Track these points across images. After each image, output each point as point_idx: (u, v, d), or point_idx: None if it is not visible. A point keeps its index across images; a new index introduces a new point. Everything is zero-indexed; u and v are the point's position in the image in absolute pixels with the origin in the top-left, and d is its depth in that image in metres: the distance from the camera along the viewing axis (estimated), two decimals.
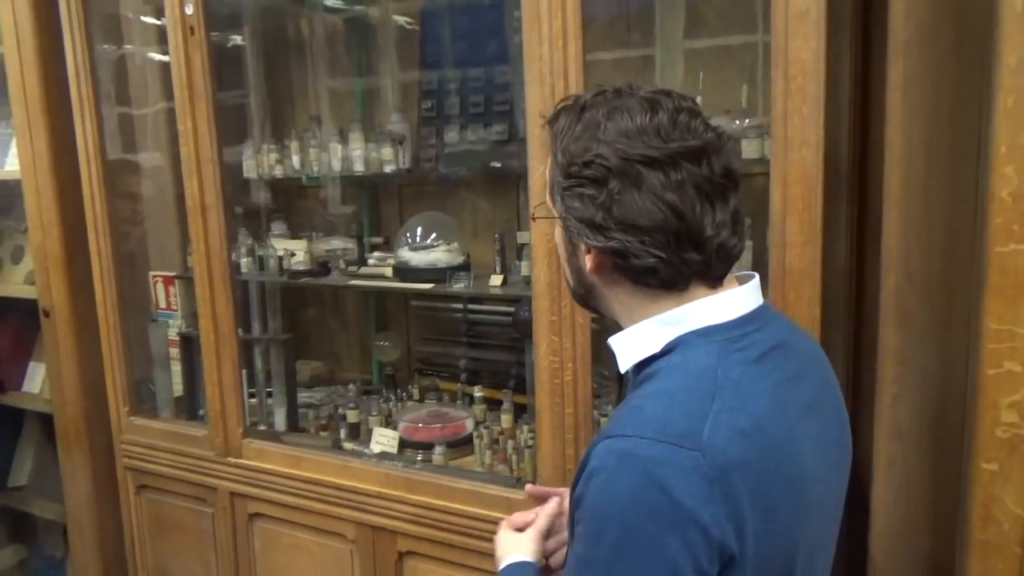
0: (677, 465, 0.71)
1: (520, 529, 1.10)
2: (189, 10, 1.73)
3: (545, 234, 1.45)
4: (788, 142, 1.21)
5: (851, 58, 1.55)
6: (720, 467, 0.72)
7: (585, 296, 0.92)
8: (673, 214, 0.78)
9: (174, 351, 2.24)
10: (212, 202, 1.83)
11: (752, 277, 0.88)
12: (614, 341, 0.89)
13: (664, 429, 0.73)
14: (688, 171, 0.78)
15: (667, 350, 0.82)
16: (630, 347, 0.86)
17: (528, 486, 1.21)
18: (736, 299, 0.84)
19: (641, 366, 0.85)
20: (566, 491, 1.09)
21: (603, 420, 1.67)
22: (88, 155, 2.00)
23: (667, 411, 0.75)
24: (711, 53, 1.81)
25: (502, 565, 1.04)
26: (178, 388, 2.23)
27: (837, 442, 0.91)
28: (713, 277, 0.84)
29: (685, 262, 0.80)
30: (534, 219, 0.96)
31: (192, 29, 1.74)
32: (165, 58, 1.89)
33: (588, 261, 0.84)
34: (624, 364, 0.87)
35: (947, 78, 1.37)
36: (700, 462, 0.71)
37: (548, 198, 0.89)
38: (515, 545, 1.05)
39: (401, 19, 2.25)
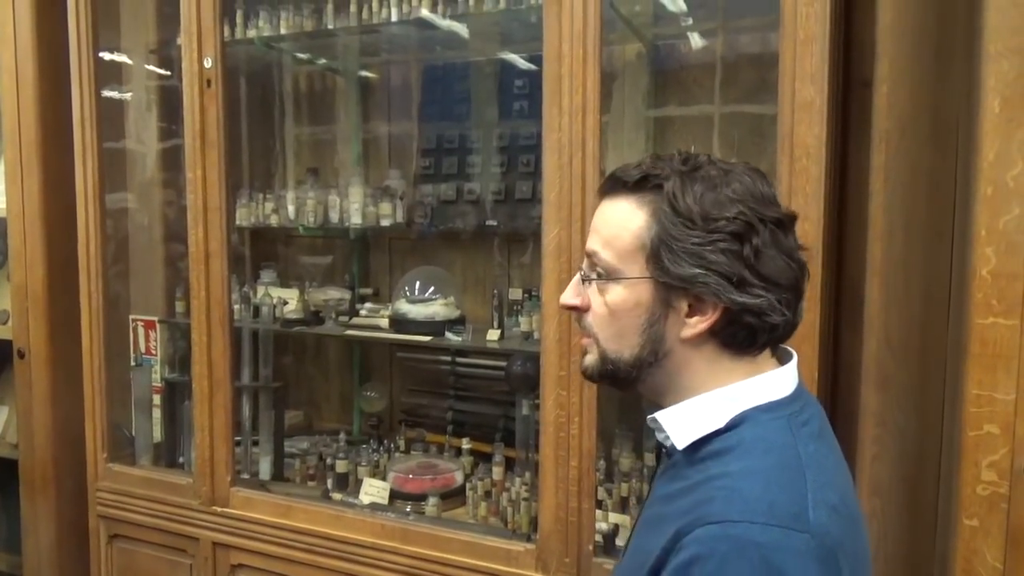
0: (792, 550, 0.70)
1: None
2: (208, 64, 1.78)
3: (555, 292, 1.52)
4: None
5: (831, 142, 1.70)
6: (827, 548, 0.71)
7: (642, 368, 0.85)
8: (801, 274, 0.81)
9: (155, 397, 2.21)
10: (216, 250, 1.84)
11: (792, 355, 0.88)
12: (665, 416, 0.85)
13: (772, 511, 0.71)
14: (794, 237, 0.83)
15: (732, 425, 0.81)
16: (689, 422, 0.83)
17: None
18: (788, 374, 0.84)
19: (699, 443, 0.82)
20: None
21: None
22: (87, 198, 2.00)
23: (767, 491, 0.73)
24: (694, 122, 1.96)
25: None
26: (156, 435, 2.20)
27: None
28: (784, 341, 0.85)
29: (791, 324, 0.82)
30: (587, 282, 0.85)
31: (209, 82, 1.79)
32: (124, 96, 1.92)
33: (699, 323, 0.81)
34: (682, 440, 0.83)
35: (924, 164, 1.53)
36: (811, 544, 0.70)
37: (623, 259, 0.83)
38: None
39: (401, 78, 2.34)
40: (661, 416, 0.86)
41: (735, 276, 0.78)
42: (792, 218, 0.83)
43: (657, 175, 0.82)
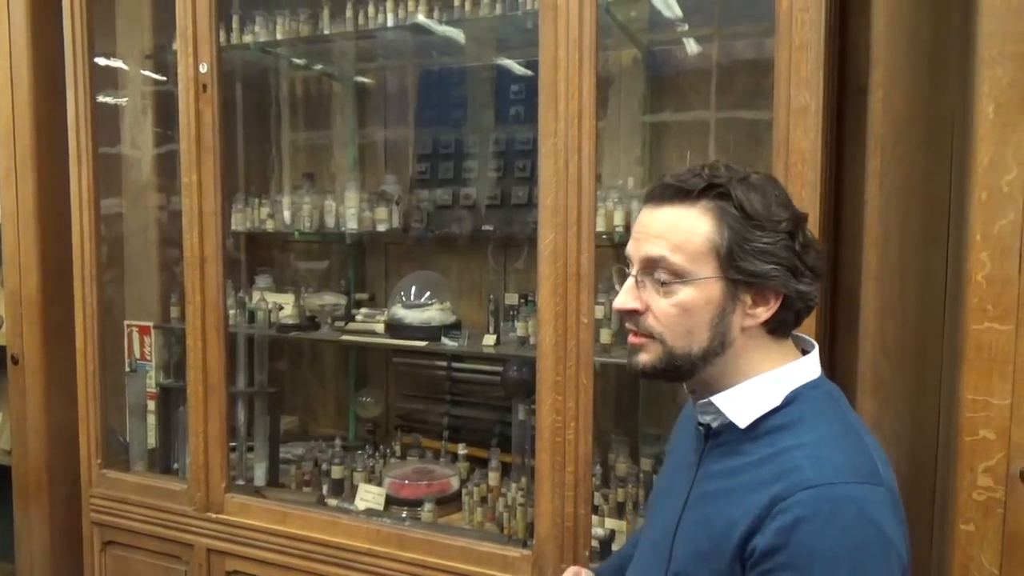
0: (878, 501, 0.82)
1: None
2: (204, 68, 1.78)
3: (551, 296, 1.52)
4: None
5: (826, 147, 1.70)
6: (893, 496, 0.85)
7: (709, 358, 0.92)
8: (825, 266, 0.95)
9: (150, 403, 2.20)
10: (211, 254, 1.84)
11: (814, 345, 0.99)
12: (722, 399, 0.94)
13: (856, 471, 0.83)
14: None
15: (787, 402, 0.92)
16: (748, 402, 0.93)
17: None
18: (815, 359, 0.97)
19: (759, 420, 0.92)
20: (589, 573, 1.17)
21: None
22: (81, 202, 2.00)
23: (847, 455, 0.85)
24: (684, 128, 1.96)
25: None
26: (151, 440, 2.19)
27: None
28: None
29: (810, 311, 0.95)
30: (664, 284, 0.89)
31: (205, 87, 1.79)
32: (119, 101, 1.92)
33: (762, 312, 0.91)
34: (744, 419, 0.93)
35: (919, 169, 1.53)
36: (886, 495, 0.84)
37: (695, 261, 0.90)
38: None
39: (397, 83, 2.34)
40: (718, 399, 0.94)
41: (795, 268, 0.90)
42: (806, 216, 0.95)
43: (720, 184, 0.90)
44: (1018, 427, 1.23)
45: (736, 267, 0.89)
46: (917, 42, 1.52)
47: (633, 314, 0.95)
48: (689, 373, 0.95)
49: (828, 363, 1.68)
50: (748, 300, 0.91)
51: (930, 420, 1.55)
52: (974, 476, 1.27)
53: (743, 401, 0.93)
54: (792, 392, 0.92)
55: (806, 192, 1.31)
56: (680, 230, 0.91)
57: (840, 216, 1.65)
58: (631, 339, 0.97)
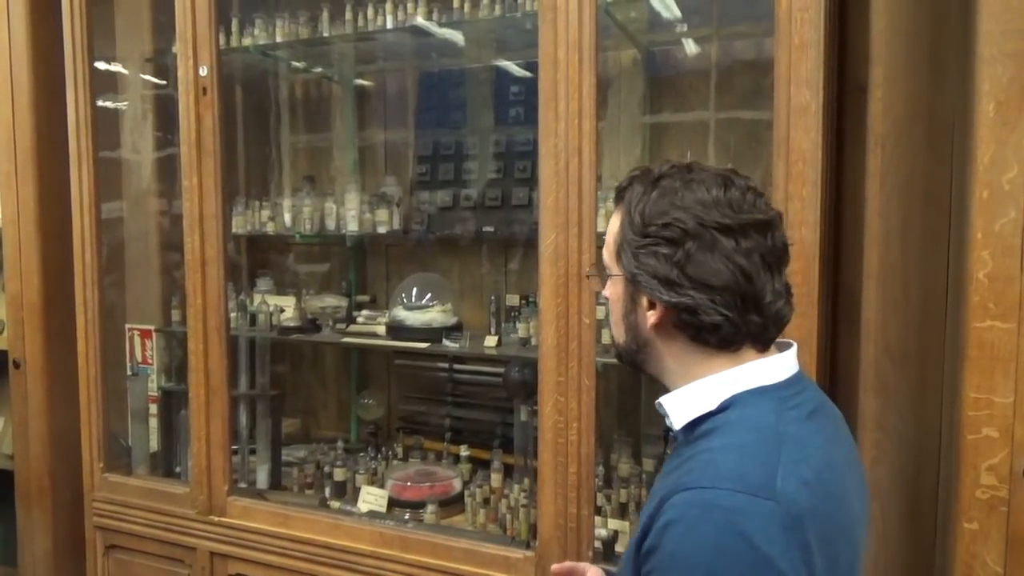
0: (755, 513, 0.76)
1: None
2: (203, 72, 1.78)
3: (553, 297, 1.52)
4: (789, 222, 1.31)
5: (827, 146, 1.70)
6: (793, 515, 0.76)
7: (636, 353, 0.95)
8: (743, 276, 0.85)
9: (152, 406, 2.20)
10: (212, 257, 1.84)
11: (791, 345, 0.94)
12: (667, 400, 0.93)
13: (741, 480, 0.78)
14: (756, 241, 0.86)
15: (723, 407, 0.87)
16: (685, 405, 0.90)
17: (553, 566, 1.18)
18: (782, 363, 0.90)
19: (695, 423, 0.89)
20: (588, 566, 1.14)
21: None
22: (82, 206, 2.00)
23: (740, 463, 0.80)
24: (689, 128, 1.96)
25: None
26: (153, 444, 2.19)
27: (863, 497, 0.96)
28: (765, 340, 0.90)
29: (746, 323, 0.87)
30: (588, 277, 0.95)
31: (205, 90, 1.79)
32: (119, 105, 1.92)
33: (651, 316, 0.90)
34: (679, 421, 0.91)
35: (919, 168, 1.53)
36: (775, 510, 0.76)
37: (609, 257, 0.96)
38: None
39: (396, 85, 2.34)
40: (664, 400, 0.94)
41: (664, 277, 0.87)
42: (758, 223, 0.87)
43: (625, 186, 0.94)
44: (1021, 425, 1.23)
45: (623, 267, 0.92)
46: (917, 41, 1.52)
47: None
48: (632, 365, 0.98)
49: (830, 362, 1.69)
50: (644, 302, 0.91)
51: (933, 418, 1.55)
52: (977, 474, 1.27)
53: (682, 403, 0.91)
54: (732, 396, 0.88)
55: (807, 192, 1.31)
56: (610, 227, 0.96)
57: (841, 215, 1.65)
58: None
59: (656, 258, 0.87)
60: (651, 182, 0.90)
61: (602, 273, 0.98)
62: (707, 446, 0.84)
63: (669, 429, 0.95)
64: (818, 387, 0.99)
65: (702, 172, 0.90)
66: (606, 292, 0.98)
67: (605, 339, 1.77)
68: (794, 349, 0.93)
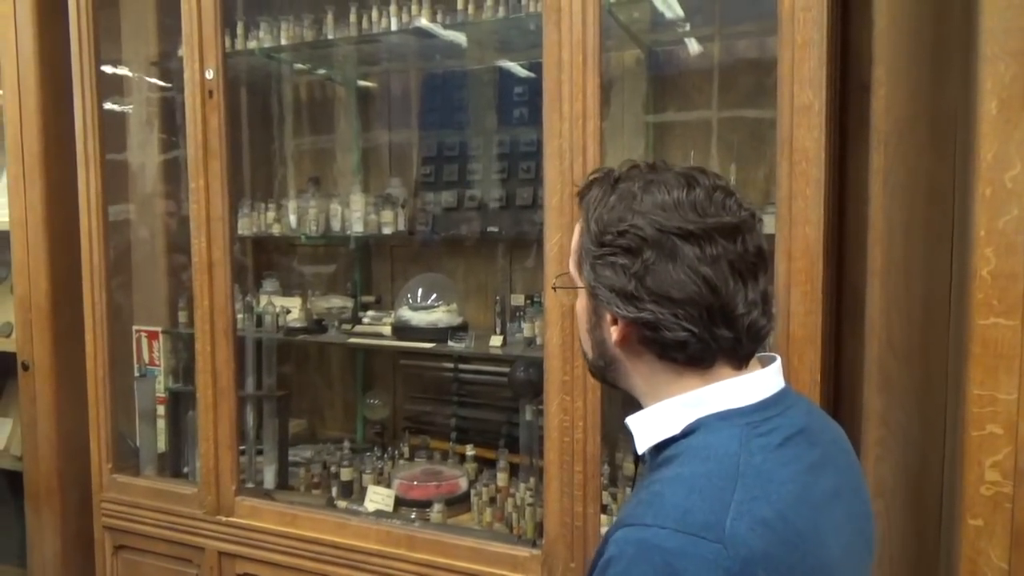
0: (697, 557, 0.68)
1: None
2: (210, 75, 1.80)
3: (559, 297, 1.52)
4: (792, 220, 1.33)
5: (830, 145, 1.71)
6: (742, 559, 0.68)
7: (604, 369, 0.89)
8: (707, 288, 0.77)
9: (159, 407, 2.21)
10: (219, 258, 1.85)
11: (774, 359, 0.86)
12: (632, 421, 0.86)
13: (684, 519, 0.70)
14: (723, 247, 0.78)
15: (687, 432, 0.80)
16: (649, 428, 0.84)
17: None
18: (759, 382, 0.82)
19: (660, 447, 0.83)
20: None
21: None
22: (89, 209, 2.01)
23: (687, 499, 0.72)
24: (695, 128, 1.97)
25: None
26: (161, 445, 2.20)
27: (862, 531, 0.88)
28: (741, 356, 0.82)
29: (715, 338, 0.79)
30: (555, 289, 0.92)
31: (211, 92, 1.80)
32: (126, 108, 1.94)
33: (614, 333, 0.83)
34: (642, 445, 0.84)
35: (922, 166, 1.53)
36: (721, 555, 0.68)
37: (574, 267, 0.89)
38: None
39: (401, 87, 2.35)
40: (630, 421, 0.87)
41: (622, 290, 0.80)
42: (725, 227, 0.79)
43: (584, 190, 0.87)
44: None
45: (583, 278, 0.86)
46: (919, 39, 1.52)
47: None
48: (604, 381, 0.92)
49: (834, 360, 1.69)
50: (607, 316, 0.84)
51: (937, 416, 1.55)
52: (982, 471, 1.27)
53: (646, 425, 0.84)
54: (697, 420, 0.80)
55: (810, 190, 1.32)
56: (574, 235, 0.90)
57: (844, 213, 1.65)
58: None
59: (613, 269, 0.80)
60: (610, 185, 0.84)
61: (569, 283, 0.92)
62: (660, 476, 0.77)
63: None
64: (811, 405, 0.92)
65: (664, 172, 0.83)
66: (578, 305, 0.91)
67: None
68: (777, 364, 0.86)
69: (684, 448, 0.79)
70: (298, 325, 2.17)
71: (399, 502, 1.91)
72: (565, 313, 1.53)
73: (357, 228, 2.13)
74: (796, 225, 1.32)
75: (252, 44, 2.10)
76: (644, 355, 0.83)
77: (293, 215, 2.22)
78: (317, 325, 2.19)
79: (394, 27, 1.96)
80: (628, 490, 1.81)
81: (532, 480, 1.85)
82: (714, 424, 0.79)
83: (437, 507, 1.85)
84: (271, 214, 2.23)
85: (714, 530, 0.69)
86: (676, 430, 0.81)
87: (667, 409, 0.83)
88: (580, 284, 0.87)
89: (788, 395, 0.86)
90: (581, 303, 0.89)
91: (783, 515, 0.73)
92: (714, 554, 0.68)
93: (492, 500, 1.90)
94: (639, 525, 0.72)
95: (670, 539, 0.69)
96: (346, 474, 2.01)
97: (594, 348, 0.89)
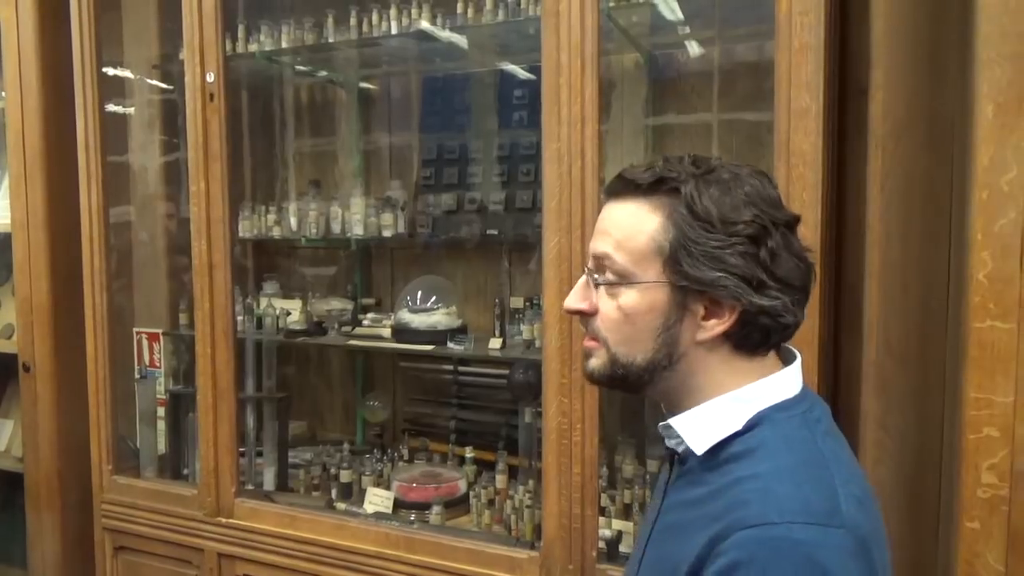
0: (832, 546, 0.70)
1: None
2: (210, 78, 1.81)
3: (557, 300, 1.53)
4: None
5: (827, 148, 1.71)
6: (860, 540, 0.71)
7: (654, 371, 0.84)
8: (810, 275, 0.82)
9: (160, 409, 2.22)
10: (220, 261, 1.86)
11: (796, 356, 0.87)
12: (680, 422, 0.84)
13: (808, 510, 0.71)
14: (799, 239, 0.83)
15: (749, 427, 0.80)
16: (705, 426, 0.82)
17: None
18: (796, 375, 0.85)
19: (719, 445, 0.81)
20: None
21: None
22: (91, 211, 2.02)
23: (800, 491, 0.73)
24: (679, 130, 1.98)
25: None
26: (161, 447, 2.21)
27: None
28: (788, 341, 0.85)
29: (797, 323, 0.82)
30: (596, 286, 0.83)
31: (212, 95, 1.81)
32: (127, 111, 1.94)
33: (716, 326, 0.80)
34: (701, 445, 0.82)
35: (920, 169, 1.54)
36: (847, 539, 0.70)
37: (642, 263, 0.82)
38: None
39: (401, 90, 2.36)
40: (676, 422, 0.85)
41: (754, 279, 0.78)
42: (797, 220, 0.84)
43: (673, 178, 0.81)
44: (1022, 424, 1.23)
45: (682, 272, 0.80)
46: (916, 43, 1.53)
47: (583, 315, 0.87)
48: (636, 386, 0.86)
49: (832, 363, 1.70)
50: (700, 310, 0.81)
51: (934, 418, 1.56)
52: (978, 473, 1.28)
53: (702, 424, 0.82)
54: (757, 414, 0.80)
55: (807, 193, 1.32)
56: (625, 227, 0.83)
57: (842, 217, 1.66)
58: (584, 342, 0.90)
59: (743, 258, 0.78)
60: (701, 175, 0.81)
61: (611, 282, 0.84)
62: (751, 472, 0.76)
63: (673, 452, 0.88)
64: (821, 399, 0.93)
65: (736, 167, 0.83)
66: (617, 303, 0.83)
67: None
68: (799, 360, 0.87)
69: (757, 442, 0.79)
70: (298, 327, 2.17)
71: (398, 504, 1.91)
72: (563, 316, 1.53)
73: (357, 231, 2.13)
74: None
75: (253, 47, 2.11)
76: (719, 349, 0.82)
77: (293, 217, 2.22)
78: (317, 327, 2.19)
79: (394, 30, 1.97)
80: (627, 491, 1.81)
81: (531, 482, 1.85)
82: (775, 416, 0.80)
83: (436, 509, 1.85)
84: (272, 216, 2.24)
85: (836, 516, 0.72)
86: (738, 426, 0.81)
87: (722, 406, 0.82)
88: (650, 280, 0.81)
89: (808, 389, 0.88)
90: (645, 302, 0.82)
91: (867, 494, 0.77)
92: (841, 539, 0.70)
93: (491, 502, 1.90)
94: (766, 524, 0.71)
95: (802, 532, 0.70)
96: (345, 476, 2.01)
97: (660, 348, 0.83)
